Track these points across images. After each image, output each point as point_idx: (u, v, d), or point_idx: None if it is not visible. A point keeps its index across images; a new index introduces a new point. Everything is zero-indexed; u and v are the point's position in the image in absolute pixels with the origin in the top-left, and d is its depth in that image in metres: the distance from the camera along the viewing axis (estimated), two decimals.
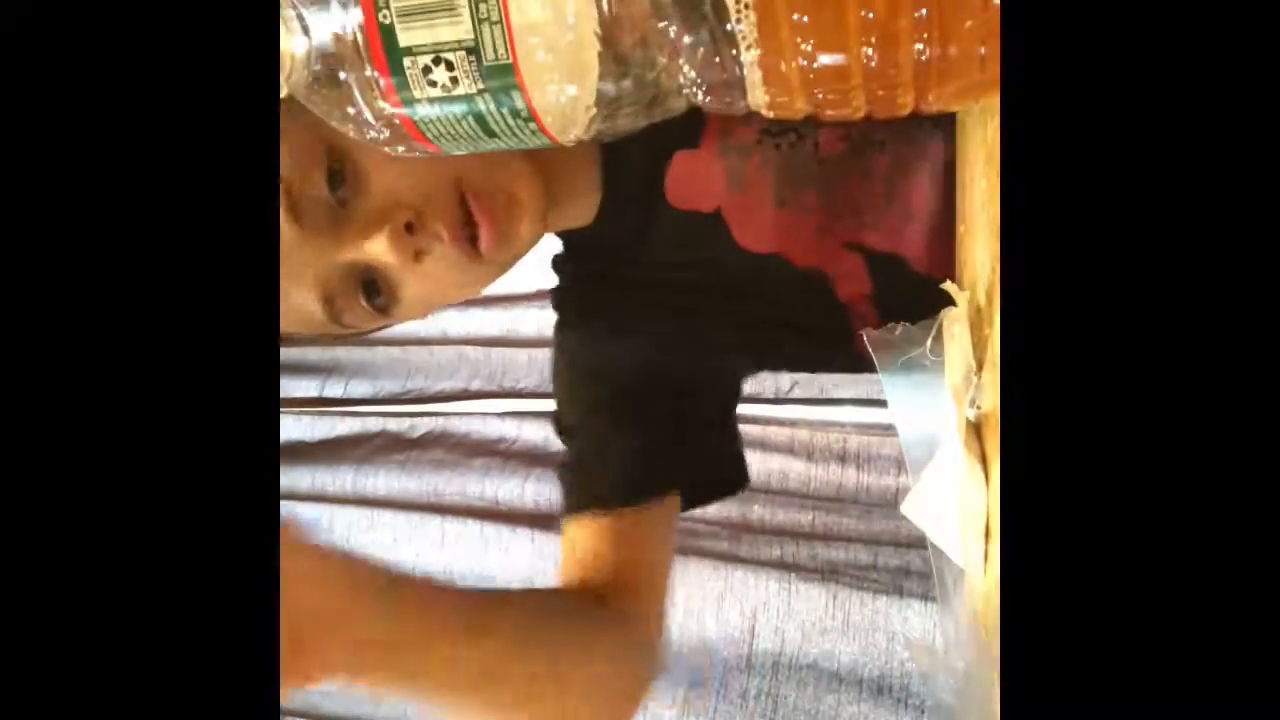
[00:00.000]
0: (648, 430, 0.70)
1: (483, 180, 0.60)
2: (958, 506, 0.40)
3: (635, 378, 0.70)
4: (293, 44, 0.33)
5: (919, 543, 0.58)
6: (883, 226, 0.66)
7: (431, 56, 0.32)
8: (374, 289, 0.60)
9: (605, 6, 0.31)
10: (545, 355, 1.53)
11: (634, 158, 0.68)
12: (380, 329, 0.69)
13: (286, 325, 0.62)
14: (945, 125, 0.62)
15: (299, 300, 0.59)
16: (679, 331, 0.71)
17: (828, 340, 0.69)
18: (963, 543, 0.40)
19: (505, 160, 0.61)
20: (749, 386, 0.79)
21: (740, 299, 0.69)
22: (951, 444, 0.40)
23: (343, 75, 0.33)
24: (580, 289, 0.75)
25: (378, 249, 0.57)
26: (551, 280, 0.78)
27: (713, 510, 1.32)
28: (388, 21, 0.31)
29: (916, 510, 0.43)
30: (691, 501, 0.72)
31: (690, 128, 0.67)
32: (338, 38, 0.32)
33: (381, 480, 1.48)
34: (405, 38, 0.32)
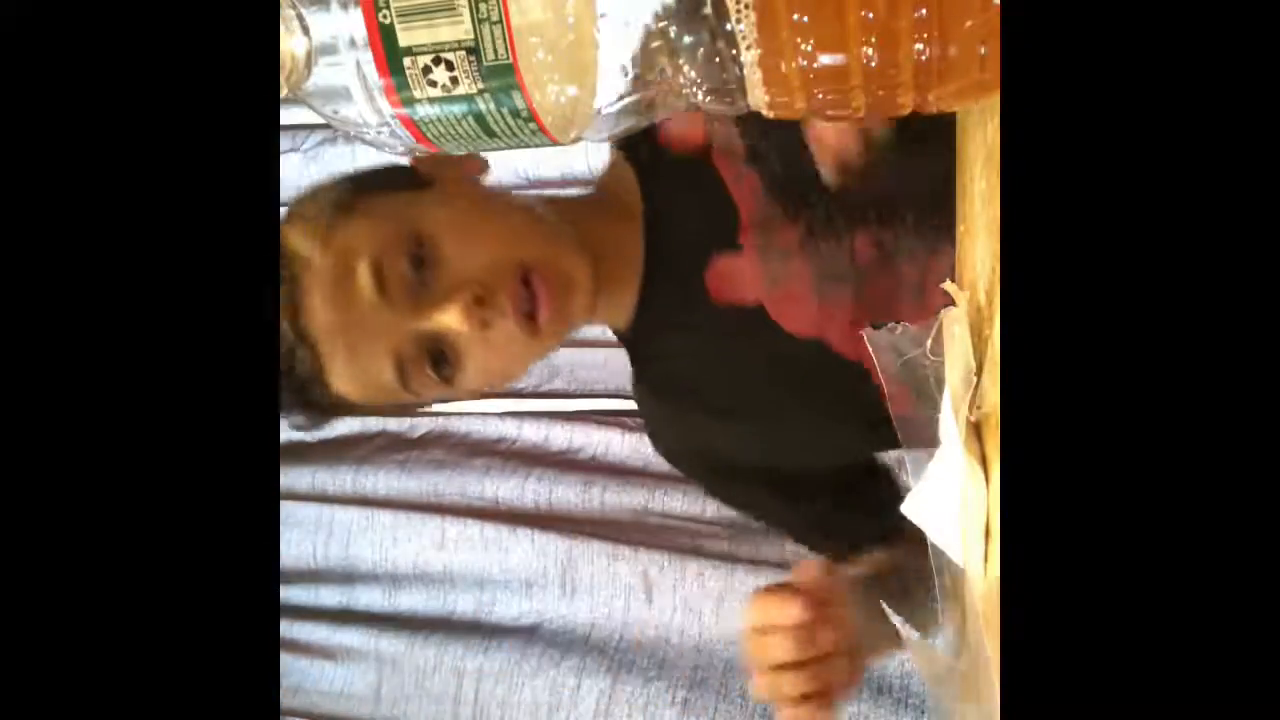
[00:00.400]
0: (805, 507, 0.84)
1: (542, 261, 0.70)
2: (958, 506, 0.40)
3: (748, 468, 0.81)
4: (293, 44, 0.33)
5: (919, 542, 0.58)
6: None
7: (431, 56, 0.32)
8: (441, 359, 0.69)
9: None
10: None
11: (673, 258, 0.76)
12: (440, 400, 0.78)
13: (356, 391, 0.70)
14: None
15: (373, 365, 0.68)
16: (754, 426, 0.79)
17: (878, 423, 0.74)
18: (963, 543, 0.40)
19: (567, 249, 0.72)
20: None
21: (793, 380, 0.76)
22: (951, 444, 0.40)
23: (342, 77, 0.33)
24: (655, 399, 0.85)
25: (450, 318, 0.66)
26: None
27: (712, 510, 1.32)
28: (388, 21, 0.31)
29: (916, 510, 0.43)
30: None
31: (727, 230, 0.74)
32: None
33: (381, 480, 1.48)
34: (405, 38, 0.32)
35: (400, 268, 0.66)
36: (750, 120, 0.74)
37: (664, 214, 0.77)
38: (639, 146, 0.80)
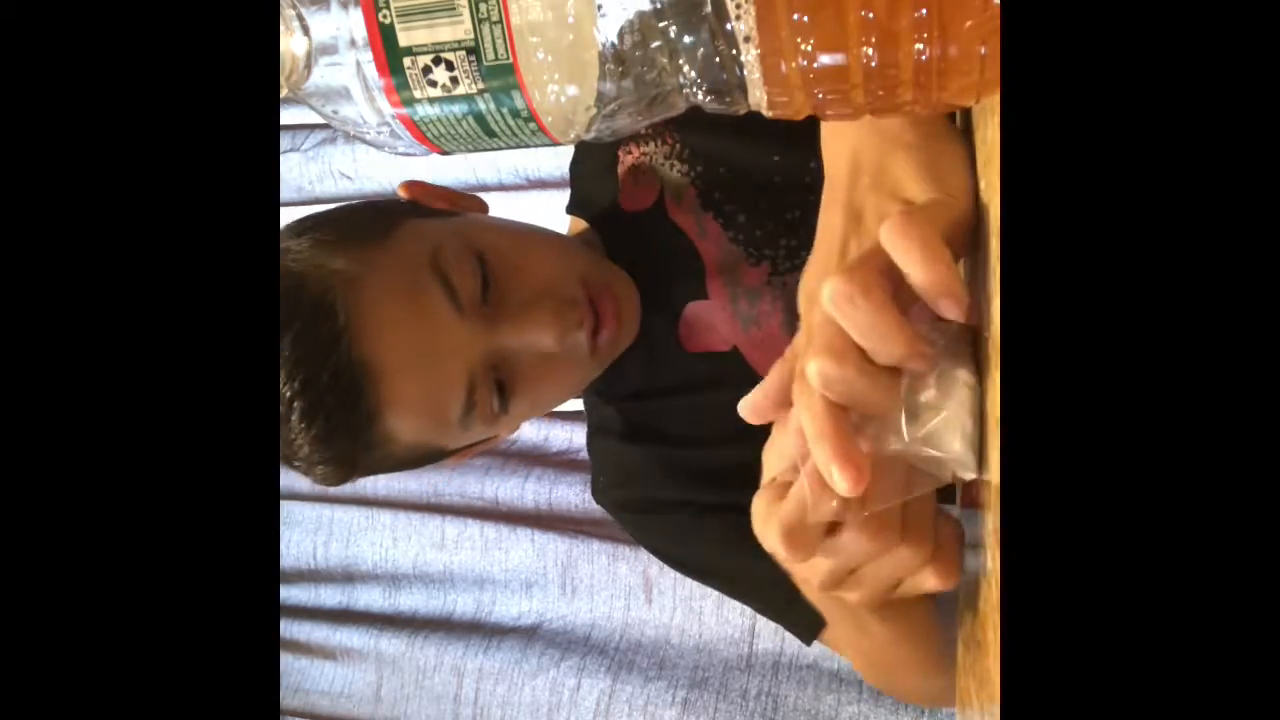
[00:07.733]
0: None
1: (598, 278, 0.69)
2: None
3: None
4: (293, 44, 0.33)
5: None
6: None
7: (431, 56, 0.32)
8: (502, 389, 0.65)
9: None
10: None
11: (644, 311, 0.75)
12: (473, 442, 0.72)
13: (415, 427, 0.63)
14: None
15: (446, 391, 0.62)
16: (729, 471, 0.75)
17: None
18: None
19: (614, 269, 0.72)
20: None
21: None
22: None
23: (342, 77, 0.33)
24: (617, 463, 0.82)
25: (537, 331, 0.63)
26: None
27: None
28: (388, 21, 0.31)
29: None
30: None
31: (694, 280, 0.73)
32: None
33: (381, 480, 1.48)
34: (405, 38, 0.32)
35: (470, 282, 0.62)
36: (701, 167, 0.75)
37: (631, 270, 0.76)
38: (602, 211, 0.79)
